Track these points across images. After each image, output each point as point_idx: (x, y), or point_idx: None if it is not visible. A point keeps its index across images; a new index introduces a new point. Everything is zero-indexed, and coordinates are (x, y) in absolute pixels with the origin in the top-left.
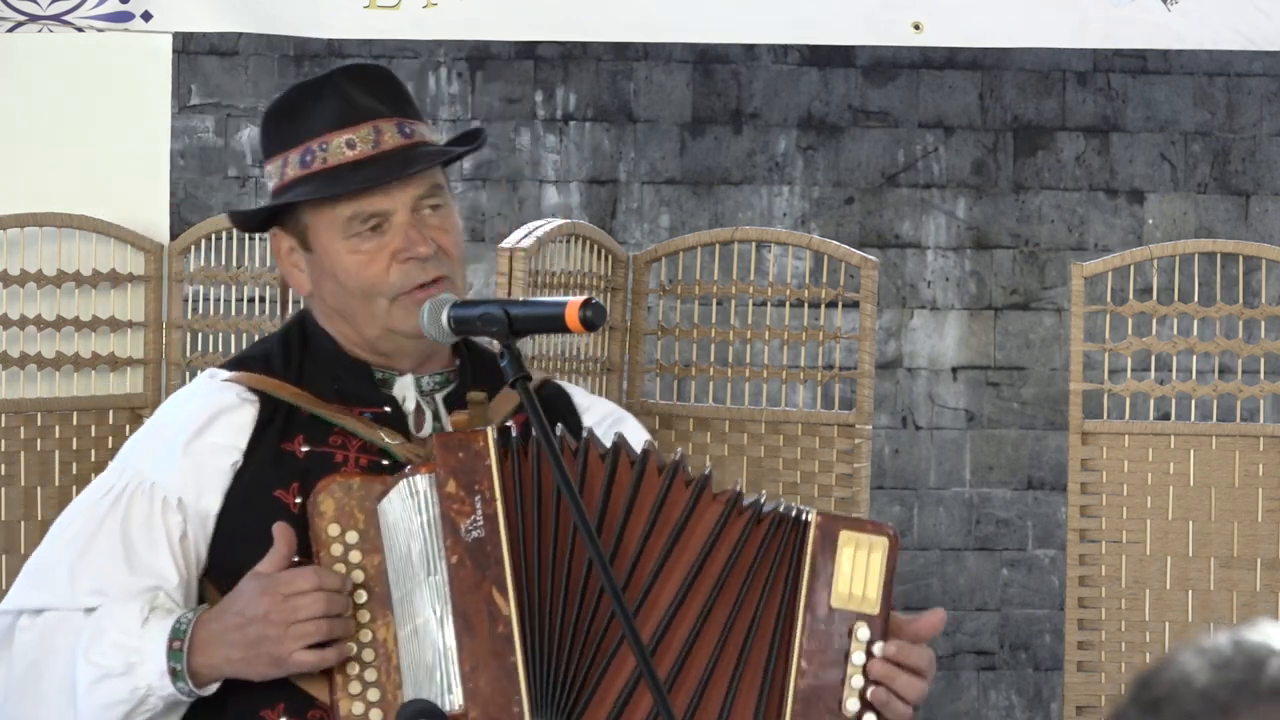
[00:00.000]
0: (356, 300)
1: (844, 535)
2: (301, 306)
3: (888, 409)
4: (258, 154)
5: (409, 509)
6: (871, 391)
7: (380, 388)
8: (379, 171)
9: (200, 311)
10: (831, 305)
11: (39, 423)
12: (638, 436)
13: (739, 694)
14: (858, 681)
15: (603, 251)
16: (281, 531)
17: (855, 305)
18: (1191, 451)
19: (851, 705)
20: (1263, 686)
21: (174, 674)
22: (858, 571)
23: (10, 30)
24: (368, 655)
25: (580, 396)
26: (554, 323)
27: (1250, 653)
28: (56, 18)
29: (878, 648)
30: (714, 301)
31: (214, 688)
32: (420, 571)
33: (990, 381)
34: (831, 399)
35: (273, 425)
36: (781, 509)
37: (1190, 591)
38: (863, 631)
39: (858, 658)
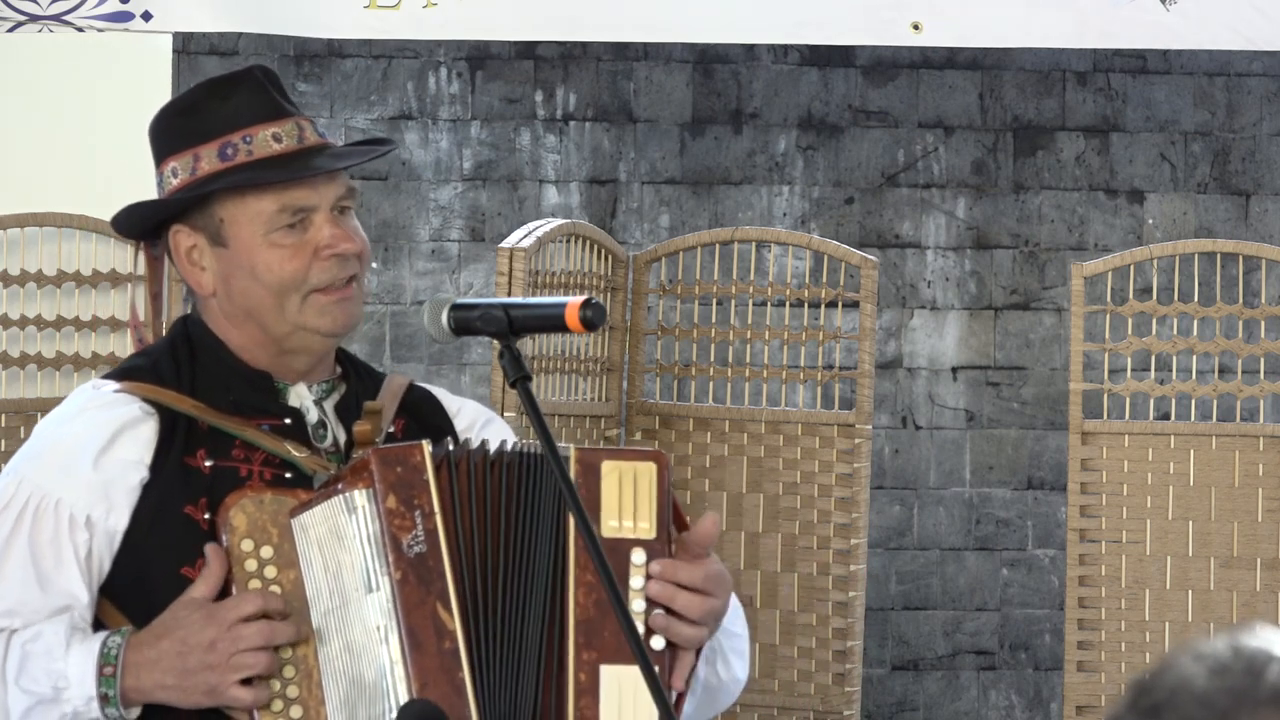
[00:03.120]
0: (271, 297)
1: (606, 465)
2: (185, 312)
3: (888, 409)
4: None
5: (342, 524)
6: (871, 391)
7: (278, 398)
8: (325, 160)
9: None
10: (831, 305)
11: (39, 423)
12: (504, 436)
13: (526, 637)
14: (639, 606)
15: (603, 251)
16: (215, 553)
17: (855, 305)
18: (1191, 451)
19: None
20: (1262, 693)
21: (105, 700)
22: (626, 499)
23: (10, 30)
24: (288, 672)
25: (448, 400)
26: (554, 323)
27: (1249, 658)
28: (56, 18)
29: (654, 568)
30: (714, 301)
31: (137, 712)
32: (355, 588)
33: (990, 381)
34: (831, 399)
35: (174, 439)
36: (531, 451)
37: (1190, 591)
38: (638, 556)
39: (636, 583)
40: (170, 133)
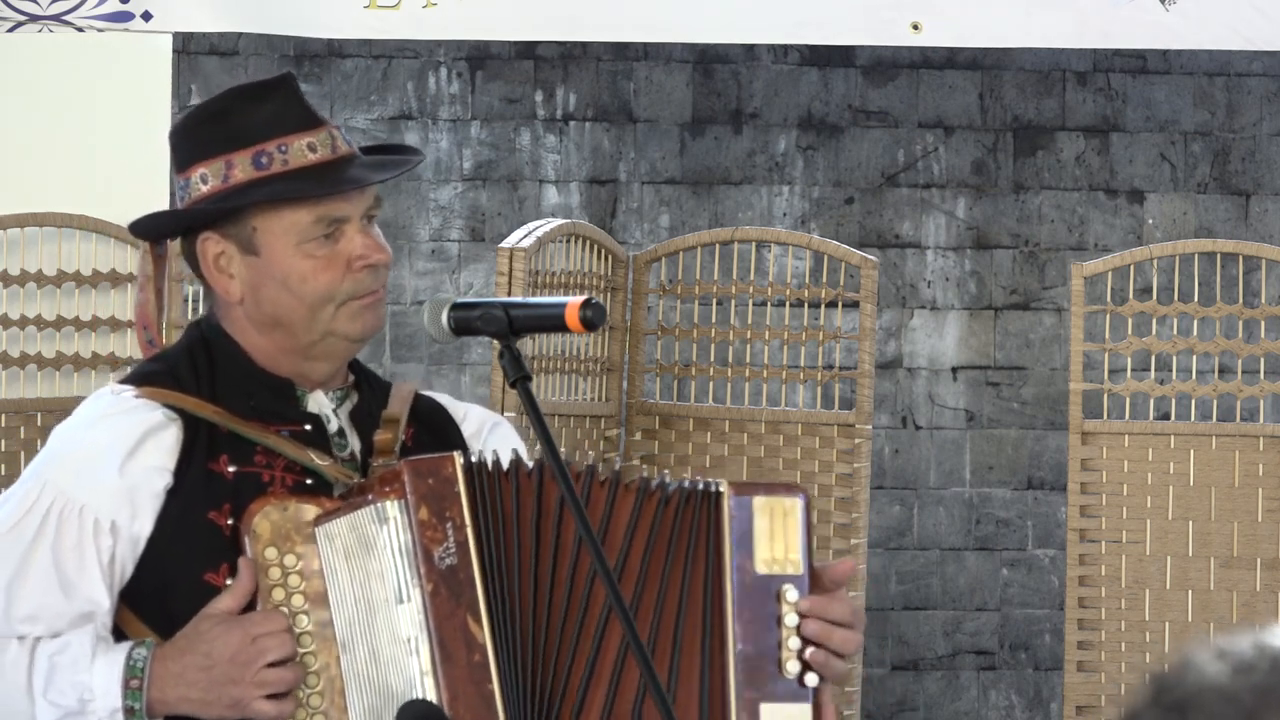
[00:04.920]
0: (303, 307)
1: (759, 501)
2: (201, 315)
3: (888, 409)
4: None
5: (373, 535)
6: (871, 391)
7: (298, 405)
8: (361, 172)
9: (200, 311)
10: (831, 305)
11: (39, 423)
12: (509, 444)
13: (681, 672)
14: (794, 643)
15: (603, 251)
16: (246, 566)
17: (855, 305)
18: (1191, 451)
19: (792, 667)
20: None
21: (130, 712)
22: (776, 535)
23: (10, 30)
24: (312, 681)
25: (454, 406)
26: (554, 323)
27: (1275, 657)
28: (56, 18)
29: (805, 605)
30: (714, 301)
31: None
32: (384, 598)
33: (990, 381)
34: (831, 399)
35: (197, 445)
36: (688, 485)
37: (1190, 591)
38: (791, 593)
39: (790, 620)
40: (199, 138)
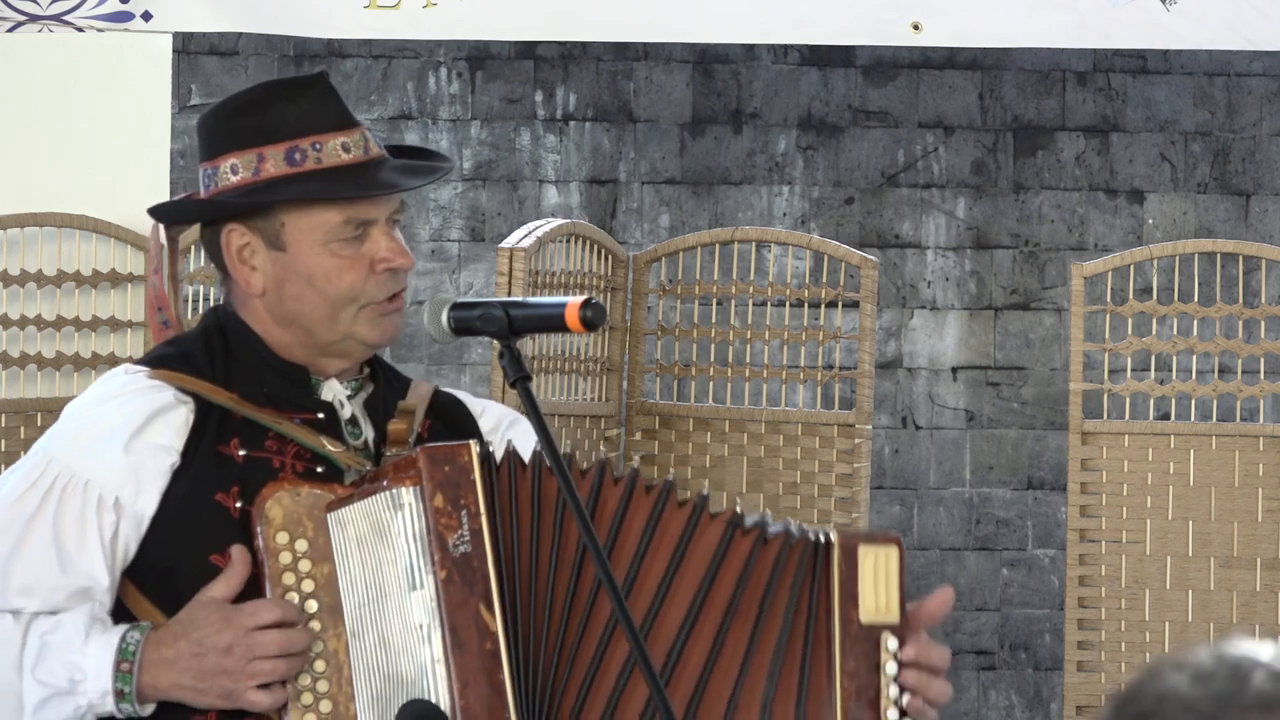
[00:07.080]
0: (326, 306)
1: (862, 549)
2: (218, 303)
3: (888, 409)
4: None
5: (387, 521)
6: (871, 391)
7: (312, 392)
8: (392, 175)
9: (200, 311)
10: (831, 305)
11: (39, 423)
12: (527, 440)
13: (774, 716)
14: (893, 692)
15: (603, 251)
16: (240, 554)
17: (855, 305)
18: (1191, 451)
19: (891, 716)
20: (1248, 698)
21: (119, 695)
22: (879, 583)
23: (10, 30)
24: (319, 666)
25: (472, 403)
26: (554, 323)
27: (1233, 665)
28: (56, 18)
29: (908, 654)
30: (714, 301)
31: (151, 708)
32: (397, 584)
33: (990, 381)
34: (831, 399)
35: (208, 427)
36: (792, 528)
37: (1190, 591)
38: (891, 642)
39: (890, 668)
40: (231, 128)
